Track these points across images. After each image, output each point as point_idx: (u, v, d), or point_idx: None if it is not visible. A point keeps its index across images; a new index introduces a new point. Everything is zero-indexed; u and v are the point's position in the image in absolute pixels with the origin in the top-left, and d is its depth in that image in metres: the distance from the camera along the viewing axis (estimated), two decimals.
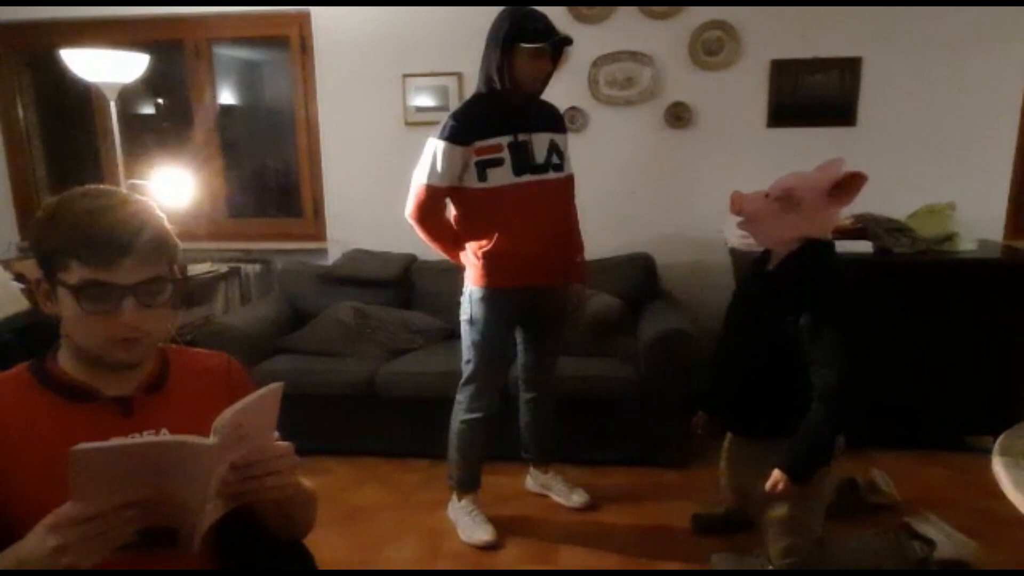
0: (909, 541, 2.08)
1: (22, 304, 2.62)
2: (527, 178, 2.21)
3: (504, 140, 2.17)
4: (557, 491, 2.64)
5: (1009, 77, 3.14)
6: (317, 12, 3.48)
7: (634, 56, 3.31)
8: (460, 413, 2.42)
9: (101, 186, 1.05)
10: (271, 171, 4.10)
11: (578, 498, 2.60)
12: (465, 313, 2.35)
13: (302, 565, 1.30)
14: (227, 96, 4.01)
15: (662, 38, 3.28)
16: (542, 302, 2.39)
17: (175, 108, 3.95)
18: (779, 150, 3.30)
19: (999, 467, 1.52)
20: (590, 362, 2.89)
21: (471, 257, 2.30)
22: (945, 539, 2.07)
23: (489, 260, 2.26)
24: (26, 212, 3.88)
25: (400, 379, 2.93)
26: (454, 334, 3.27)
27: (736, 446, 2.13)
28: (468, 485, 2.48)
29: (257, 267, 3.73)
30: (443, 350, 3.14)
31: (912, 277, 2.82)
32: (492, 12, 3.13)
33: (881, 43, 3.17)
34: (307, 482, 1.16)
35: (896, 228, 2.90)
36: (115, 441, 0.87)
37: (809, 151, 3.33)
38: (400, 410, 2.95)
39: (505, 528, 2.43)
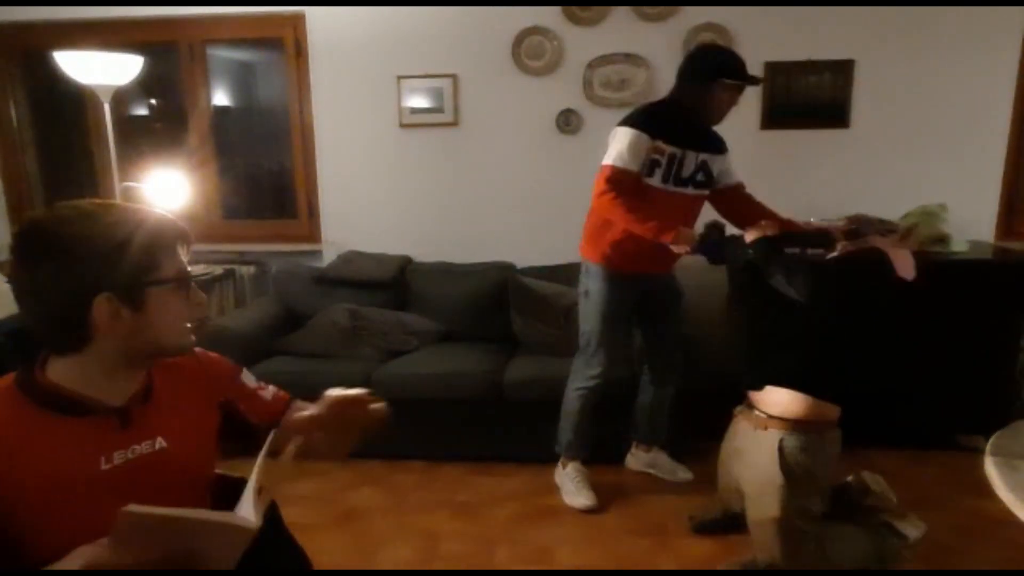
0: (891, 538, 2.09)
1: (16, 307, 2.61)
2: (670, 187, 2.39)
3: (670, 149, 2.35)
4: (661, 468, 2.76)
5: (1000, 79, 3.17)
6: (312, 13, 3.48)
7: (629, 58, 3.32)
8: (575, 381, 2.57)
9: (99, 200, 1.07)
10: (266, 173, 4.09)
11: (683, 474, 2.72)
12: (583, 286, 2.51)
13: (300, 566, 1.30)
14: (221, 98, 4.00)
15: (656, 40, 3.29)
16: (653, 287, 2.56)
17: (169, 110, 3.94)
18: (773, 152, 3.32)
19: (991, 467, 1.53)
20: None
21: (606, 235, 2.42)
22: (912, 528, 2.07)
23: (621, 245, 2.41)
24: (20, 215, 3.87)
25: (396, 380, 2.93)
26: (450, 335, 3.29)
27: (728, 442, 2.15)
28: (575, 452, 2.61)
29: (252, 269, 3.73)
30: (439, 351, 3.14)
31: None
32: (488, 13, 3.14)
33: (874, 45, 3.20)
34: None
35: (889, 229, 2.92)
36: (166, 510, 0.89)
37: (803, 153, 3.37)
38: (396, 412, 2.87)
39: (502, 527, 2.44)
